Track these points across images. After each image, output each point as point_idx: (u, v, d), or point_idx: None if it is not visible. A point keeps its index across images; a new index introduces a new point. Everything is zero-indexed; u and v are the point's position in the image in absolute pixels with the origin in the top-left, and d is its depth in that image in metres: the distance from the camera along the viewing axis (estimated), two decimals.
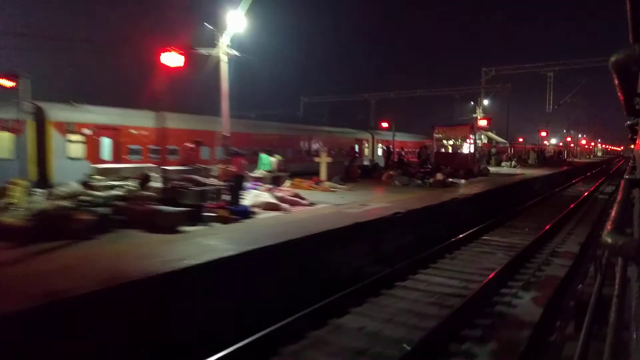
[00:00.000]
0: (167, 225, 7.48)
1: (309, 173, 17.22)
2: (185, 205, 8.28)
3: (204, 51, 12.24)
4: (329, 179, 16.40)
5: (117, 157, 16.07)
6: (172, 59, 9.98)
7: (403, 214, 11.13)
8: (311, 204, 11.18)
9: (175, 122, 19.20)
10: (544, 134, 59.10)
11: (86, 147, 15.38)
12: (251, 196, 10.57)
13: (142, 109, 18.69)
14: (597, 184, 30.70)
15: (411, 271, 9.13)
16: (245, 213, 9.00)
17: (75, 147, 15.14)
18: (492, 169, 29.08)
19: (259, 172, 14.57)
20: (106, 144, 16.16)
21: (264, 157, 15.08)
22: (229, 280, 6.08)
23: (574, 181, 32.43)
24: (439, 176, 17.62)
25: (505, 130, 42.93)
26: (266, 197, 10.33)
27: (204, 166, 11.10)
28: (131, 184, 10.09)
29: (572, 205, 18.60)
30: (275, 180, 14.88)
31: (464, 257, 10.52)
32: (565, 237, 12.97)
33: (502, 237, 12.79)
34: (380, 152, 34.26)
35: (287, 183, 15.13)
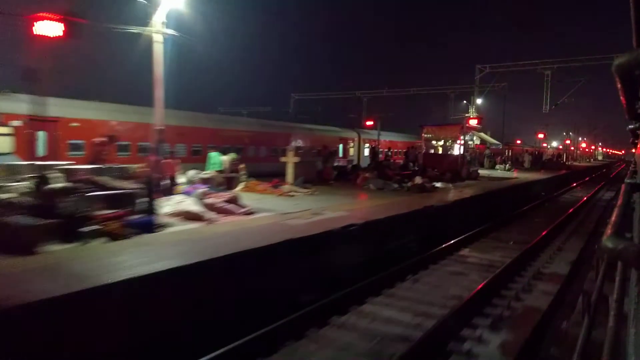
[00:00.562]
0: (22, 244, 5.67)
1: (284, 174, 15.41)
2: (62, 215, 6.47)
3: (134, 29, 10.45)
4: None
5: (53, 153, 14.26)
6: (49, 28, 8.16)
7: (359, 225, 9.34)
8: (249, 213, 9.37)
9: (127, 115, 17.51)
10: (541, 136, 57.21)
11: (15, 141, 13.61)
12: (173, 202, 8.76)
13: (93, 100, 17.10)
14: (596, 189, 29.03)
15: (357, 300, 7.35)
16: (148, 226, 7.16)
17: (1, 141, 13.37)
18: (485, 172, 27.61)
19: (207, 173, 12.76)
20: (42, 138, 14.38)
21: (213, 155, 13.25)
22: (61, 333, 4.26)
23: (571, 186, 30.81)
24: (418, 180, 15.80)
25: (501, 132, 41.27)
26: (188, 204, 8.51)
27: (118, 165, 9.29)
28: (25, 185, 8.32)
29: (566, 214, 16.92)
30: (227, 182, 13.12)
31: (430, 280, 8.75)
32: (555, 253, 11.26)
33: (481, 253, 11.05)
34: (367, 152, 32.44)
35: (241, 185, 13.35)
